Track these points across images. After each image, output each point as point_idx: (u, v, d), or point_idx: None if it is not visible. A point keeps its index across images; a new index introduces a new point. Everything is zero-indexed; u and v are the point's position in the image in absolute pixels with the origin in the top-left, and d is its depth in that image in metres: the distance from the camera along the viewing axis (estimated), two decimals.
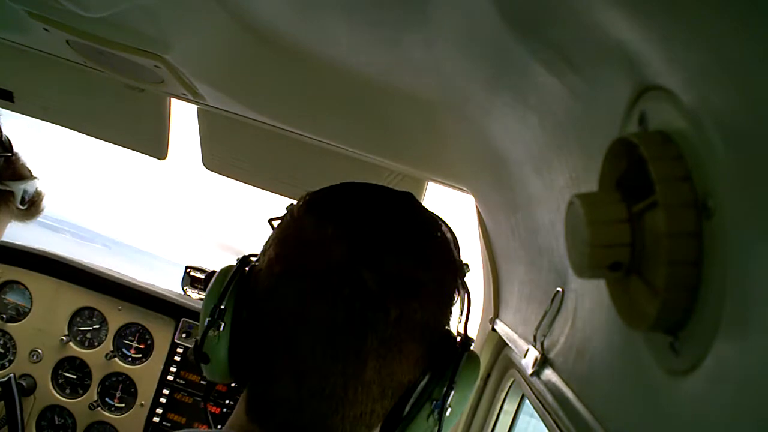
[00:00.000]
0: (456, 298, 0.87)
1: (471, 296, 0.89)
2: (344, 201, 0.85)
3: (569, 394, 0.90)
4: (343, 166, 1.97)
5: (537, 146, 1.03)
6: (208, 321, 0.84)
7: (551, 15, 0.72)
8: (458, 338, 0.87)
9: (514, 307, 1.57)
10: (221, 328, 0.83)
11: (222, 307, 0.84)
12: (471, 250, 1.96)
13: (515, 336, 1.43)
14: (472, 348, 0.88)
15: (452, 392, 0.83)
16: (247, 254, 0.90)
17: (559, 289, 1.04)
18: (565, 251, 0.65)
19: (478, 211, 1.83)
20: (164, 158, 2.32)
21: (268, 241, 0.87)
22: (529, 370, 1.13)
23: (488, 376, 1.91)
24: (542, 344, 1.10)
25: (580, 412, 0.83)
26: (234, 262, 0.90)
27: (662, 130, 0.56)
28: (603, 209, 0.57)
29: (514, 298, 1.58)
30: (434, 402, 0.82)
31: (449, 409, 0.83)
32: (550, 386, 1.01)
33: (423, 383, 0.82)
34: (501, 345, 1.84)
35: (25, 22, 1.48)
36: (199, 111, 2.06)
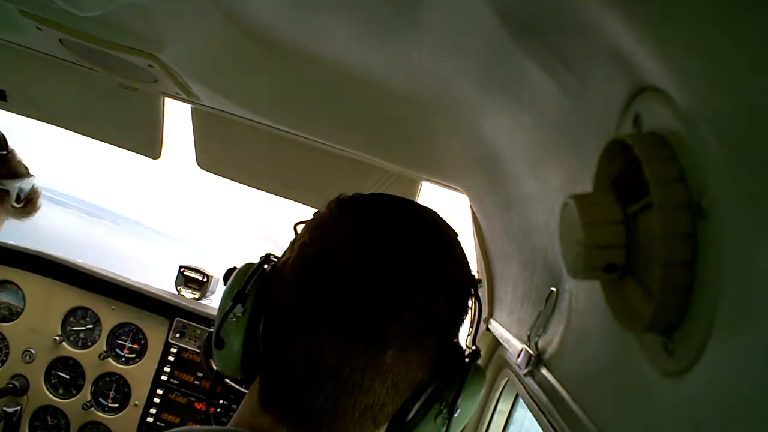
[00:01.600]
0: (468, 310, 0.90)
1: (482, 310, 0.91)
2: (379, 202, 0.89)
3: (563, 393, 0.90)
4: (338, 166, 1.97)
5: (531, 146, 1.03)
6: (230, 305, 0.86)
7: (546, 15, 0.72)
8: (467, 349, 0.90)
9: (508, 307, 1.57)
10: (242, 314, 0.86)
11: (245, 292, 0.86)
12: (465, 250, 1.96)
13: (509, 336, 1.43)
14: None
15: (461, 395, 0.84)
16: (268, 253, 0.93)
17: (554, 289, 1.04)
18: (560, 251, 0.65)
19: (473, 211, 1.83)
20: (158, 157, 2.32)
21: (297, 235, 0.91)
22: (524, 370, 1.13)
23: None
24: (536, 344, 1.10)
25: (574, 412, 0.83)
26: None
27: (657, 131, 0.56)
28: (598, 210, 0.57)
29: (508, 298, 1.58)
30: (443, 402, 0.84)
31: (458, 410, 0.85)
32: (544, 386, 1.01)
33: (434, 384, 0.84)
34: (495, 345, 1.84)
35: (17, 20, 1.47)
36: (192, 110, 2.06)
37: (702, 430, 0.51)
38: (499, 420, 1.88)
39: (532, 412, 1.28)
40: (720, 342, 0.48)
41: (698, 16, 0.47)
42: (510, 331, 1.46)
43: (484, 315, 1.84)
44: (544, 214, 1.07)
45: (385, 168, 1.90)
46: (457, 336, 0.89)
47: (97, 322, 2.90)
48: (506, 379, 1.77)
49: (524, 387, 1.33)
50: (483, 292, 1.90)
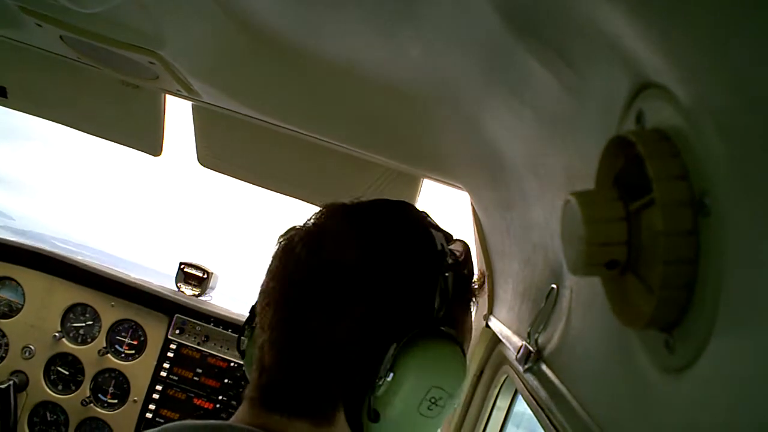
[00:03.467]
0: (430, 285, 0.90)
1: (450, 289, 0.91)
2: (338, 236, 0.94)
3: (563, 390, 0.90)
4: (339, 164, 1.97)
5: (533, 143, 1.03)
6: (246, 320, 1.04)
7: (548, 11, 0.72)
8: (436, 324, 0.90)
9: (508, 304, 1.57)
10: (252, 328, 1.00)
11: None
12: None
13: (509, 332, 1.43)
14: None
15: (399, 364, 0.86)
16: None
17: (554, 286, 1.04)
18: (560, 248, 0.65)
19: (473, 208, 1.83)
20: (159, 155, 2.32)
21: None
22: (523, 367, 1.13)
23: (481, 372, 1.91)
24: (536, 341, 1.10)
25: (573, 409, 0.83)
26: None
27: (660, 127, 0.56)
28: (600, 207, 0.57)
29: (508, 295, 1.58)
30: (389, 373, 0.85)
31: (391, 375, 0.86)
32: (543, 383, 1.01)
33: (389, 355, 0.85)
34: (495, 341, 1.85)
35: (18, 17, 1.47)
36: (193, 107, 2.06)
37: (702, 427, 0.52)
38: (498, 416, 1.88)
39: (531, 408, 1.28)
40: (721, 339, 0.48)
41: (701, 12, 0.47)
42: (510, 328, 1.46)
43: (484, 311, 1.84)
44: (544, 211, 1.07)
45: (386, 165, 1.90)
46: (413, 311, 0.89)
47: (96, 318, 2.90)
48: (505, 376, 1.78)
49: (523, 383, 1.33)
50: (483, 288, 1.89)
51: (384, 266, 0.90)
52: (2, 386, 2.66)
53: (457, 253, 0.97)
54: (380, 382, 0.85)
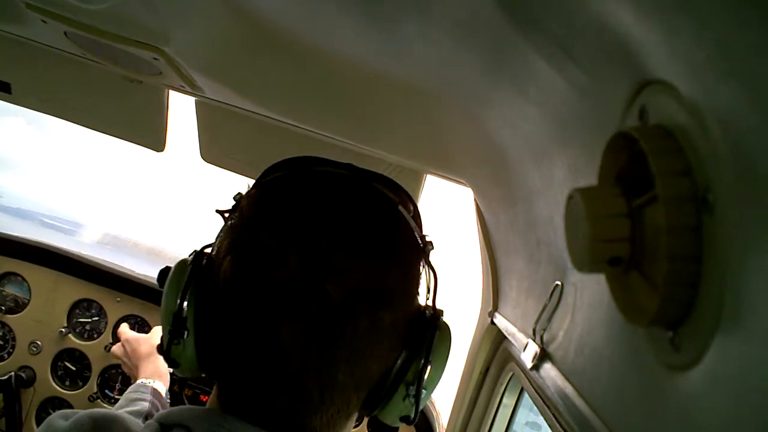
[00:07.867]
0: (421, 277, 0.86)
1: (437, 272, 0.88)
2: (296, 199, 0.83)
3: (568, 388, 0.90)
4: (342, 159, 1.97)
5: (536, 139, 1.03)
6: (170, 331, 0.81)
7: (551, 6, 0.71)
8: (427, 313, 0.86)
9: (513, 301, 1.57)
10: (185, 336, 0.82)
11: (183, 314, 0.82)
12: (470, 243, 1.97)
13: (514, 330, 1.43)
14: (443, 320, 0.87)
15: (427, 370, 0.83)
16: (200, 248, 0.87)
17: (558, 282, 1.03)
18: (564, 245, 0.65)
19: (477, 204, 1.83)
20: (162, 150, 2.32)
21: (221, 237, 0.85)
22: (529, 364, 1.13)
23: (487, 369, 1.91)
24: (542, 338, 1.10)
25: (579, 406, 0.83)
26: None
27: (663, 123, 0.55)
28: (603, 203, 0.57)
29: (513, 292, 1.58)
30: (408, 385, 0.82)
31: (425, 391, 0.83)
32: (549, 380, 1.01)
33: (396, 367, 0.82)
34: (500, 338, 1.85)
35: (22, 13, 1.47)
36: (197, 103, 2.06)
37: (708, 425, 0.51)
38: (504, 414, 1.88)
39: (537, 405, 1.28)
40: (726, 336, 0.48)
41: (707, 7, 0.47)
42: (515, 325, 1.46)
43: (489, 308, 1.84)
44: (548, 207, 1.07)
45: (389, 161, 1.89)
46: (414, 312, 0.85)
47: (102, 314, 2.91)
48: (511, 374, 1.78)
49: (529, 381, 1.33)
50: (488, 285, 1.90)
51: (414, 295, 0.85)
52: (3, 378, 2.67)
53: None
54: (424, 372, 0.82)
